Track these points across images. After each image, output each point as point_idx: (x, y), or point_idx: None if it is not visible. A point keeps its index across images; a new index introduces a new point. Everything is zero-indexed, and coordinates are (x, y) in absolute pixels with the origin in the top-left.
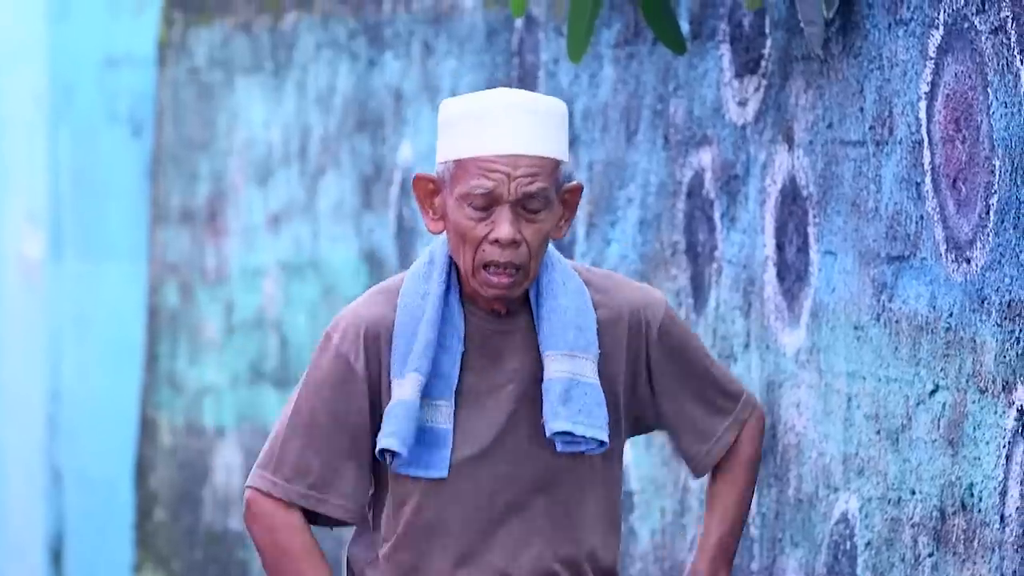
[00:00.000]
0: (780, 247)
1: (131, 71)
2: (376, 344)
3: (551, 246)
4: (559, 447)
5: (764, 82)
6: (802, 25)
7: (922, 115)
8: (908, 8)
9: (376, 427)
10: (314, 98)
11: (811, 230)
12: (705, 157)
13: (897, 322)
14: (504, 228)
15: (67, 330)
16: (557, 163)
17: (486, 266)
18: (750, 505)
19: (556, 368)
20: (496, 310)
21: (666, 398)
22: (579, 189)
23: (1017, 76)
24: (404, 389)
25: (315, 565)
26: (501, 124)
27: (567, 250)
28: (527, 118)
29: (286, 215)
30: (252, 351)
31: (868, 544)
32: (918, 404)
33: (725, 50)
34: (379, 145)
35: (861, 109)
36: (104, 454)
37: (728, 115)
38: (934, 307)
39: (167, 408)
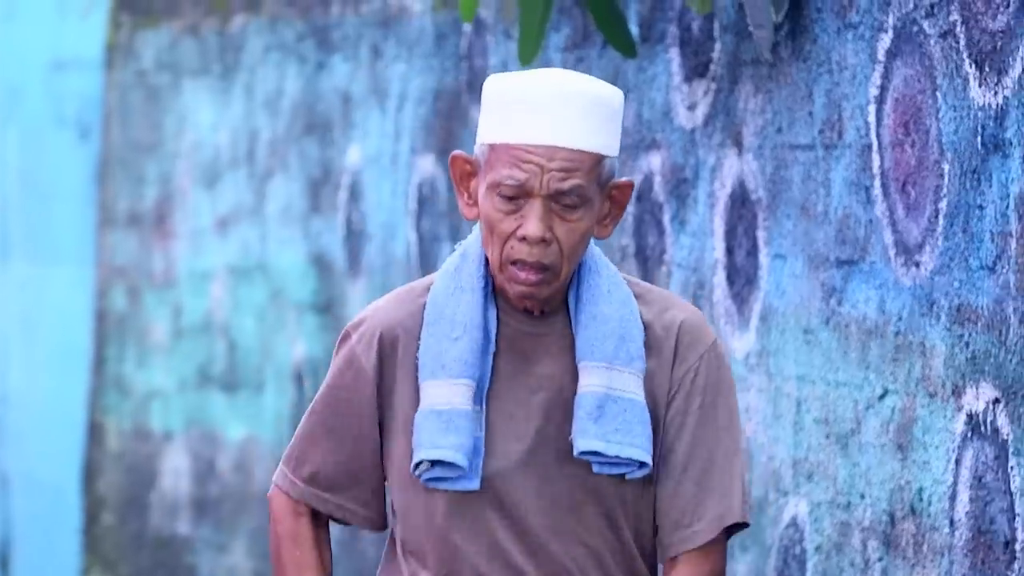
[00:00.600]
0: (729, 251)
1: (78, 74)
2: (393, 349)
3: (599, 253)
4: (595, 468)
5: (713, 86)
6: (750, 29)
7: (871, 119)
8: (857, 12)
9: (381, 433)
10: (262, 101)
11: (760, 234)
12: (654, 161)
13: (847, 326)
14: (533, 224)
15: (14, 333)
16: (600, 158)
17: (514, 262)
18: None
19: (590, 381)
20: (529, 309)
21: (666, 442)
22: (629, 186)
23: (966, 80)
24: (450, 396)
25: None
26: (540, 111)
27: None
28: (570, 107)
29: (234, 218)
30: (200, 355)
31: (818, 548)
32: (867, 408)
33: (674, 54)
34: (327, 148)
35: (810, 113)
36: (51, 458)
37: (677, 119)
38: (883, 311)
39: (115, 412)
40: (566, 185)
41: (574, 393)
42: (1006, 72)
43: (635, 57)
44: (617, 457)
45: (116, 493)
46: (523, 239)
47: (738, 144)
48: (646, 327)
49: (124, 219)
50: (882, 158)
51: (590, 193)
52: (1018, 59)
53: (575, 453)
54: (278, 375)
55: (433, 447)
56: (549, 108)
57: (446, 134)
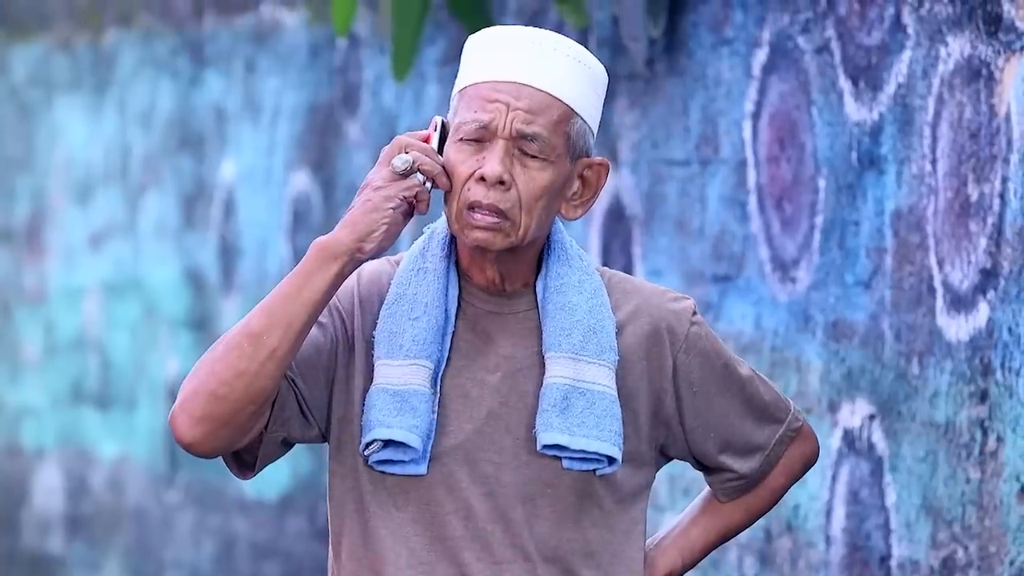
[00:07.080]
0: (606, 266)
1: None
2: (368, 298)
3: (572, 241)
4: (565, 464)
5: None
6: (625, 42)
7: (747, 134)
8: (732, 27)
9: (328, 380)
10: (135, 116)
11: (636, 249)
12: None
13: (723, 342)
14: (491, 163)
15: None
16: (571, 113)
17: (471, 207)
18: (741, 531)
19: (556, 372)
20: (494, 287)
21: (697, 419)
22: (603, 166)
23: (841, 96)
24: (407, 376)
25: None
26: (515, 50)
27: None
28: (545, 50)
29: (107, 234)
30: (73, 372)
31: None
32: None
33: None
34: (201, 163)
35: (686, 128)
36: None
37: None
38: (759, 327)
39: None
40: (529, 129)
41: (535, 382)
42: (881, 88)
43: None
44: (583, 452)
45: None
46: (481, 179)
47: (614, 159)
48: (621, 327)
49: None
50: (758, 173)
51: (555, 144)
52: (893, 75)
53: (539, 447)
54: (151, 392)
55: (385, 426)
56: (522, 47)
57: (320, 149)
